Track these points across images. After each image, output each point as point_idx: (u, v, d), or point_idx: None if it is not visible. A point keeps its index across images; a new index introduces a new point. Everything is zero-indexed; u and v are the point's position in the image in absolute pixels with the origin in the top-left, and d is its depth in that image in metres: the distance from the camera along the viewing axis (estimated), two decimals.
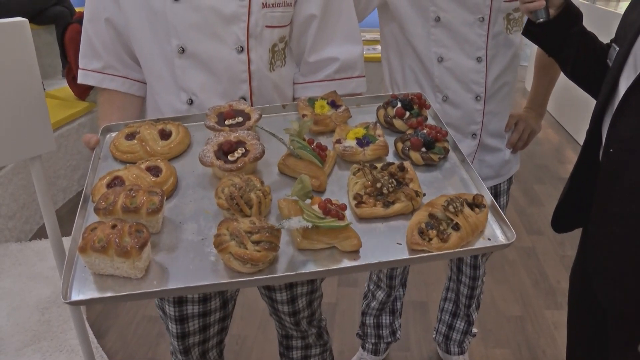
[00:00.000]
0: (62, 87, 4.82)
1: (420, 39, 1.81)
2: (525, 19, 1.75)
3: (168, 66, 1.47)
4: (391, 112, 1.42)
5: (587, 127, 1.48)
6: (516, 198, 4.35)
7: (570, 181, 1.56)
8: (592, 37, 1.57)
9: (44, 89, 4.80)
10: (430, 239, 1.03)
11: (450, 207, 1.08)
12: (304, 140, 1.22)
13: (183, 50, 1.42)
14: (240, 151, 1.21)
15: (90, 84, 1.59)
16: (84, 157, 4.43)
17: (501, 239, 1.07)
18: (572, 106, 5.54)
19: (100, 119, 1.57)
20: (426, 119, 1.42)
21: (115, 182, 1.17)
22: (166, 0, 1.39)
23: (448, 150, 1.30)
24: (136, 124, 1.37)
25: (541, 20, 1.51)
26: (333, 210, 1.05)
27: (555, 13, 1.51)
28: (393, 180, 1.15)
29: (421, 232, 1.04)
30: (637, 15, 1.38)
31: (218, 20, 1.41)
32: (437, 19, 1.76)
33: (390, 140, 1.34)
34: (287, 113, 1.47)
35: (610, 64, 1.44)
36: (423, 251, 1.03)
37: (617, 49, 1.42)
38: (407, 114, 1.40)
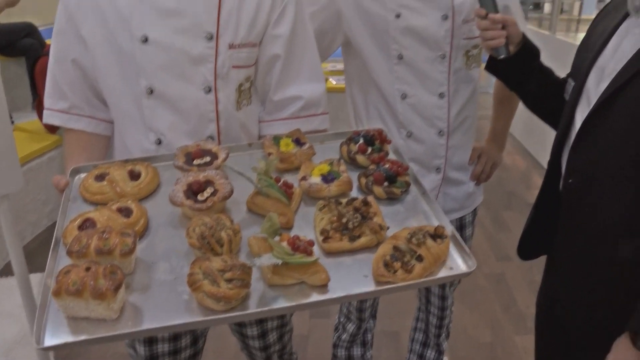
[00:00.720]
0: (32, 120, 4.78)
1: (383, 76, 1.87)
2: (483, 55, 1.83)
3: (136, 106, 1.50)
4: (354, 147, 1.46)
5: None
6: (485, 225, 4.43)
7: (534, 210, 1.62)
8: (549, 72, 1.66)
9: (13, 121, 4.74)
10: (395, 271, 1.07)
11: (414, 239, 1.12)
12: (271, 178, 1.26)
13: (151, 90, 1.45)
14: (209, 190, 1.24)
15: (56, 124, 1.59)
16: (54, 191, 4.36)
17: (463, 267, 1.12)
18: (538, 132, 5.70)
19: (67, 159, 1.58)
20: (387, 154, 1.47)
21: (86, 224, 1.19)
22: (135, 41, 1.42)
23: (409, 184, 1.35)
24: (105, 165, 1.39)
25: (502, 56, 1.59)
26: (301, 246, 1.08)
27: (515, 49, 1.59)
28: (358, 214, 1.19)
29: (386, 265, 1.08)
30: (589, 48, 1.47)
31: (186, 61, 1.45)
32: (400, 57, 1.82)
33: (354, 175, 1.39)
34: (253, 151, 1.51)
35: (567, 98, 1.52)
36: (389, 283, 1.06)
37: (573, 83, 1.50)
38: (369, 149, 1.45)
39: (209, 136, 1.51)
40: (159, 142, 1.51)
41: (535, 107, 1.70)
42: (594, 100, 1.36)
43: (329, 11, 1.85)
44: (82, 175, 1.43)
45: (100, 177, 1.34)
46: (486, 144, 2.15)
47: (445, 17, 1.78)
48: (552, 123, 1.64)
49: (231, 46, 1.48)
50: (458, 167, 2.01)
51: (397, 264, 1.08)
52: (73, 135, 1.60)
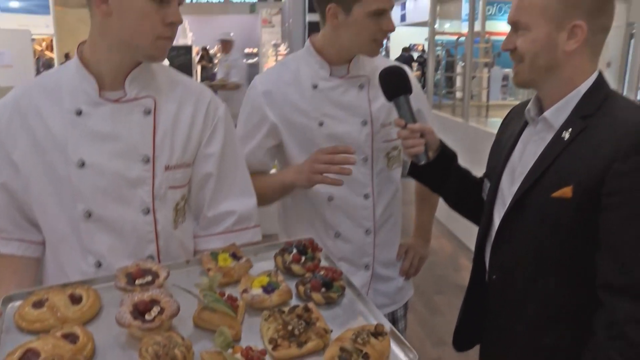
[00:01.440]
0: None
1: None
2: (402, 156, 1.99)
3: (73, 230, 1.49)
4: (288, 258, 1.54)
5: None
6: (418, 310, 4.52)
7: (464, 303, 1.72)
8: (467, 173, 1.84)
9: None
10: None
11: (359, 339, 1.19)
12: (216, 293, 1.30)
13: (89, 214, 1.47)
14: (156, 309, 1.25)
15: None
16: None
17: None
18: None
19: None
20: (320, 261, 1.56)
21: (28, 355, 1.15)
22: (71, 165, 1.45)
23: (344, 288, 1.44)
24: (42, 291, 1.35)
25: (422, 162, 1.72)
26: (255, 356, 1.13)
27: (434, 155, 1.74)
28: (302, 321, 1.25)
29: None
30: (500, 151, 1.64)
31: (123, 184, 1.49)
32: None
33: (291, 284, 1.46)
34: (191, 268, 1.54)
35: (485, 197, 1.67)
36: None
37: (489, 184, 1.66)
38: (303, 258, 1.53)
39: (148, 256, 1.53)
40: (99, 264, 1.50)
41: (456, 206, 1.85)
42: (508, 201, 1.51)
43: (262, 128, 1.98)
44: (16, 303, 1.37)
45: (38, 304, 1.30)
46: (412, 240, 2.26)
47: (364, 123, 1.94)
48: (473, 220, 1.78)
49: (167, 168, 1.54)
50: (386, 264, 2.11)
51: None
52: (1, 259, 1.57)
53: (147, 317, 1.24)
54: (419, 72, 13.88)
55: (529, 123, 1.57)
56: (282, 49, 16.46)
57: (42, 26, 15.90)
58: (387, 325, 1.27)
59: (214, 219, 1.68)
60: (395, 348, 1.24)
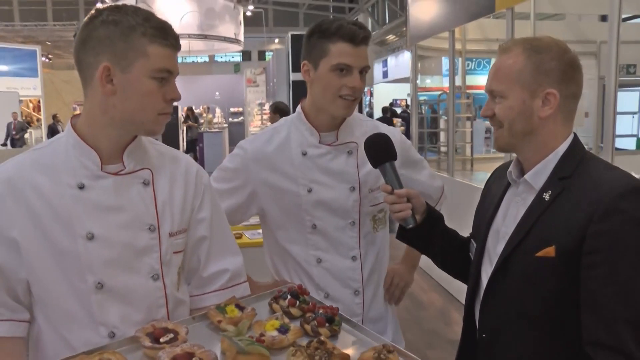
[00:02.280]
0: None
1: (298, 244, 2.04)
2: (387, 217, 2.07)
3: (82, 303, 1.49)
4: (284, 303, 1.64)
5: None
6: None
7: None
8: (454, 234, 1.88)
9: None
10: None
11: (382, 356, 1.34)
12: (249, 337, 1.41)
13: (101, 285, 1.48)
14: None
15: None
16: None
17: None
18: None
19: None
20: (315, 302, 1.68)
21: None
22: (78, 239, 1.47)
23: (342, 321, 1.58)
24: None
25: (410, 226, 1.76)
26: None
27: (421, 218, 1.78)
28: (324, 351, 1.37)
29: None
30: (485, 211, 1.71)
31: (132, 254, 1.53)
32: (314, 227, 2.00)
33: (292, 324, 1.56)
34: (197, 323, 1.58)
35: (472, 257, 1.73)
36: None
37: (475, 245, 1.71)
38: (297, 302, 1.64)
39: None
40: (113, 335, 1.50)
41: (444, 266, 1.90)
42: (494, 261, 1.57)
43: (243, 191, 2.04)
44: None
45: None
46: (398, 266, 2.27)
47: (352, 189, 1.99)
48: (462, 279, 1.83)
49: (170, 234, 1.60)
50: (375, 320, 2.12)
51: None
52: None
53: None
54: (403, 128, 14.17)
55: (512, 184, 1.63)
56: (267, 107, 16.77)
57: (30, 88, 16.15)
58: (391, 344, 1.43)
59: (209, 278, 1.74)
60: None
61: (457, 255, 1.83)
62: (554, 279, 1.45)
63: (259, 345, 1.38)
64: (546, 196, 1.49)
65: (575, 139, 1.55)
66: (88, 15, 1.49)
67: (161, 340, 1.41)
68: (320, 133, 2.01)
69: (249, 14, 21.02)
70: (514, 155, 1.65)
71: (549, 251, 1.44)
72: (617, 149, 7.48)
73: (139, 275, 1.55)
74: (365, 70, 1.93)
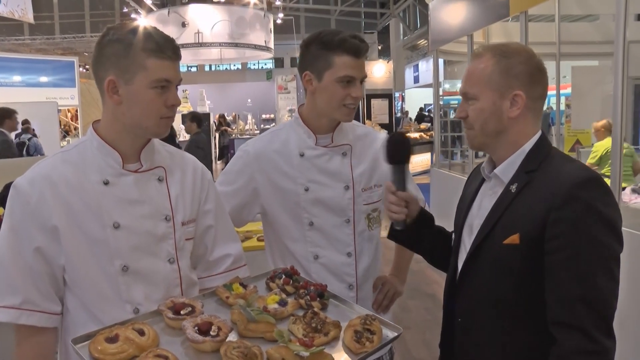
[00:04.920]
0: None
1: (296, 241, 2.17)
2: (381, 217, 2.20)
3: (111, 284, 1.68)
4: (279, 282, 1.84)
5: None
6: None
7: (440, 346, 1.84)
8: (442, 232, 1.98)
9: None
10: (364, 344, 1.47)
11: (367, 322, 1.55)
12: (258, 308, 1.60)
13: (127, 268, 1.68)
14: (215, 328, 1.48)
15: (4, 320, 1.63)
16: None
17: (391, 334, 1.58)
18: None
19: (20, 357, 1.67)
20: (307, 280, 1.87)
21: None
22: (106, 228, 1.66)
23: (330, 296, 1.77)
24: (106, 330, 1.46)
25: (399, 228, 1.84)
26: (308, 342, 1.44)
27: (411, 222, 1.86)
28: (319, 319, 1.58)
29: (357, 342, 1.47)
30: (463, 204, 1.83)
31: (152, 240, 1.73)
32: (311, 224, 2.14)
33: (288, 299, 1.75)
34: (205, 300, 1.76)
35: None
36: (365, 351, 1.47)
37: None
38: (291, 280, 1.83)
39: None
40: (137, 311, 1.69)
41: (432, 262, 2.00)
42: (468, 250, 1.68)
43: (247, 189, 2.19)
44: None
45: (111, 340, 1.42)
46: (389, 276, 2.36)
47: (347, 188, 2.13)
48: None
49: (183, 223, 1.81)
50: None
51: (363, 340, 1.48)
52: (25, 331, 1.67)
53: (212, 333, 1.48)
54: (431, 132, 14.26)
55: (485, 180, 1.74)
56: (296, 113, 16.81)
57: (68, 98, 16.58)
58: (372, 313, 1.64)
59: (215, 262, 1.97)
60: (383, 328, 1.59)
61: (443, 251, 1.93)
62: (520, 265, 1.55)
63: (266, 314, 1.58)
64: (513, 188, 1.60)
65: (543, 136, 1.65)
66: (100, 35, 1.70)
67: (182, 312, 1.59)
68: (317, 135, 2.15)
69: (279, 21, 21.28)
70: None
71: (515, 239, 1.54)
72: None
73: (159, 259, 1.75)
74: (364, 79, 2.08)
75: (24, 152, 10.18)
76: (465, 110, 1.67)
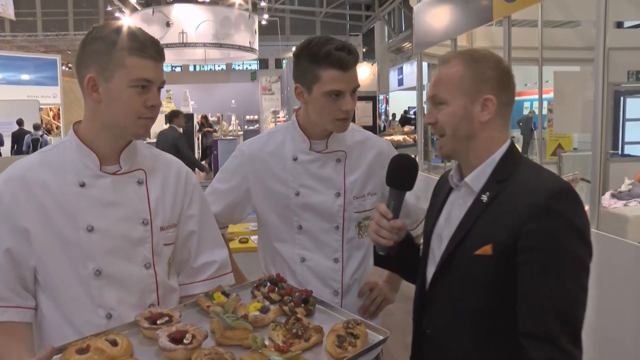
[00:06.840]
0: None
1: (285, 243, 2.18)
2: None
3: (84, 287, 1.66)
4: (264, 290, 1.82)
5: None
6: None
7: (411, 359, 1.82)
8: (419, 249, 1.88)
9: None
10: (347, 348, 1.45)
11: (349, 326, 1.53)
12: (235, 315, 1.59)
13: (100, 272, 1.66)
14: (189, 336, 1.49)
15: None
16: None
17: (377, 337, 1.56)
18: None
19: (6, 355, 1.61)
20: (292, 286, 1.85)
21: None
22: (80, 231, 1.64)
23: (315, 302, 1.76)
24: (79, 342, 1.45)
25: (382, 253, 1.81)
26: (284, 348, 1.44)
27: (395, 247, 1.78)
28: (300, 325, 1.56)
29: (339, 346, 1.46)
30: (431, 213, 1.81)
31: (128, 244, 1.70)
32: (300, 227, 2.14)
33: (272, 307, 1.74)
34: (188, 310, 1.75)
35: None
36: (346, 356, 1.44)
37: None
38: (276, 288, 1.81)
39: (150, 304, 1.75)
40: (110, 316, 1.67)
41: (412, 279, 1.91)
42: (437, 261, 1.66)
43: (240, 189, 2.19)
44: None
45: (82, 351, 1.42)
46: (382, 283, 2.32)
47: (338, 195, 2.11)
48: None
49: (162, 228, 1.78)
50: None
51: (345, 344, 1.47)
52: (2, 328, 1.65)
53: (185, 341, 1.48)
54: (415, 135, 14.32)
55: (454, 188, 1.72)
56: (282, 115, 16.86)
57: (50, 96, 16.47)
58: (359, 318, 1.62)
59: (199, 268, 1.93)
60: (368, 331, 1.57)
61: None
62: (492, 276, 1.53)
63: (242, 320, 1.57)
64: (484, 198, 1.58)
65: (512, 144, 1.65)
66: (85, 33, 1.69)
67: (158, 322, 1.58)
68: (312, 140, 2.13)
69: (264, 22, 21.27)
70: None
71: (487, 249, 1.52)
72: (627, 156, 7.55)
73: (134, 264, 1.72)
74: (356, 89, 2.04)
75: (39, 147, 10.25)
76: (434, 115, 1.65)
